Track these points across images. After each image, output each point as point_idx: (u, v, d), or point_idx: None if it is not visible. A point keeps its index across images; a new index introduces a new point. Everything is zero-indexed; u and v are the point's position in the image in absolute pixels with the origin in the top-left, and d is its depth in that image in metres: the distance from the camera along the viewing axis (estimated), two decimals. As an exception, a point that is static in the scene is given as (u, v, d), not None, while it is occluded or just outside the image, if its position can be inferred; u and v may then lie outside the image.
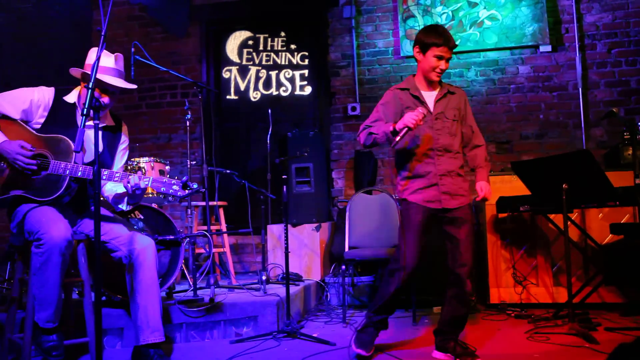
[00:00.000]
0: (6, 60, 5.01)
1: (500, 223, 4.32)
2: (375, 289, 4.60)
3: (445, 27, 5.37)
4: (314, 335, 3.45)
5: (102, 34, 2.30)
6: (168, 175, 4.45)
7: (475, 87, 5.41)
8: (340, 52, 5.73)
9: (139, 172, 2.77)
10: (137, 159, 4.25)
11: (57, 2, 5.70)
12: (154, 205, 3.91)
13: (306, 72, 5.94)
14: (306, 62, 5.96)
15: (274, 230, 4.94)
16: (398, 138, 2.76)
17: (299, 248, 4.81)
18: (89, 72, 2.50)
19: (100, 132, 2.94)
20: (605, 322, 3.59)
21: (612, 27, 5.21)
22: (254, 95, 6.01)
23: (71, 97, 2.93)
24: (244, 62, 6.06)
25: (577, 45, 5.21)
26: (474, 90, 5.40)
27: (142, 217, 3.74)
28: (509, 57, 5.38)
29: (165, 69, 3.81)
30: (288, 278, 3.62)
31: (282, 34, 6.04)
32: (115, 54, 2.95)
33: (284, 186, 3.75)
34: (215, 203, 4.69)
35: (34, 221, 2.66)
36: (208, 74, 6.06)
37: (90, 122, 2.27)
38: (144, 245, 2.92)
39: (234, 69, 6.06)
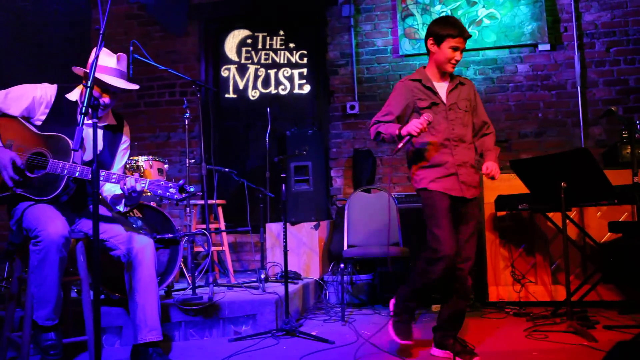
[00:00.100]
0: (5, 58, 5.00)
1: (499, 221, 4.33)
2: (374, 288, 4.60)
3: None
4: (313, 333, 3.45)
5: (101, 32, 2.30)
6: (166, 174, 4.45)
7: (474, 86, 5.41)
8: (339, 51, 5.73)
9: (136, 174, 2.76)
10: (135, 158, 4.25)
11: (56, 1, 5.69)
12: (153, 204, 3.91)
13: (305, 70, 5.94)
14: (305, 60, 5.96)
15: (273, 229, 4.94)
16: (400, 145, 2.78)
17: (298, 246, 4.82)
18: (89, 70, 2.49)
19: (101, 132, 2.96)
20: (603, 320, 3.60)
21: (610, 25, 5.21)
22: (253, 94, 6.00)
23: (73, 95, 2.93)
24: (243, 61, 6.05)
25: (575, 44, 5.21)
26: (473, 89, 5.40)
27: (140, 216, 3.74)
28: (507, 55, 5.38)
29: (164, 68, 3.80)
30: (287, 276, 3.62)
31: (281, 32, 6.03)
32: (118, 54, 2.94)
33: (283, 185, 3.75)
34: (214, 201, 4.69)
35: (31, 218, 2.66)
36: (207, 73, 6.06)
37: (90, 121, 2.26)
38: (143, 243, 2.92)
39: (233, 67, 6.06)
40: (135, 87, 2.97)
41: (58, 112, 2.86)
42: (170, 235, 3.72)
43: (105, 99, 2.89)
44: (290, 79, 5.96)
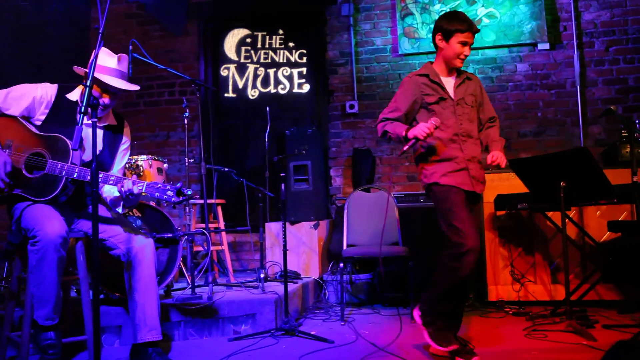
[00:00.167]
0: (3, 57, 4.99)
1: (498, 221, 4.33)
2: (374, 287, 4.60)
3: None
4: (312, 333, 3.45)
5: (100, 31, 2.30)
6: (166, 174, 4.45)
7: (473, 85, 5.41)
8: (339, 50, 5.73)
9: (134, 177, 2.76)
10: (135, 157, 4.25)
11: (55, 0, 5.68)
12: (152, 203, 3.91)
13: (304, 70, 5.94)
14: (304, 59, 5.96)
15: (272, 228, 4.94)
16: (406, 147, 2.78)
17: (297, 246, 4.82)
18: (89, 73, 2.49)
19: (101, 132, 2.95)
20: (603, 320, 3.60)
21: (610, 24, 5.21)
22: (252, 93, 6.00)
23: (74, 95, 2.93)
24: (242, 60, 6.05)
25: (575, 43, 5.21)
26: (472, 88, 5.40)
27: (140, 215, 3.74)
28: (507, 55, 5.38)
29: (163, 67, 3.79)
30: (286, 276, 3.62)
31: (281, 31, 6.03)
32: (119, 54, 2.94)
33: (282, 184, 3.75)
34: (213, 201, 4.68)
35: (29, 218, 2.66)
36: (206, 72, 6.05)
37: (90, 122, 2.26)
38: (143, 243, 2.92)
39: (232, 66, 6.05)
40: (136, 87, 2.97)
41: (58, 112, 2.86)
42: (170, 235, 3.72)
43: (105, 100, 2.89)
44: (290, 78, 5.95)
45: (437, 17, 5.35)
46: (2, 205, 2.86)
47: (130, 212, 3.69)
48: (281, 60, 5.99)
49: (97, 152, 2.32)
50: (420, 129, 2.73)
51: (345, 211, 4.49)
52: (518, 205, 3.99)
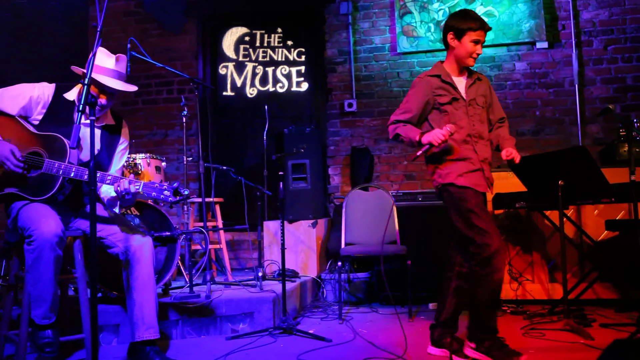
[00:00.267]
0: (2, 57, 4.98)
1: (496, 220, 4.33)
2: (372, 286, 4.60)
3: (442, 23, 5.40)
4: (310, 331, 3.45)
5: (98, 29, 2.29)
6: (164, 172, 4.45)
7: (471, 84, 5.41)
8: (337, 49, 5.73)
9: (131, 176, 2.76)
10: (133, 156, 4.25)
11: (53, -2, 5.67)
12: (150, 202, 3.91)
13: (303, 68, 5.94)
14: (303, 58, 5.95)
15: (270, 227, 4.94)
16: (419, 153, 2.76)
17: (295, 244, 4.82)
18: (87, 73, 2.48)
19: (99, 132, 2.95)
20: (600, 319, 3.60)
21: (608, 23, 5.21)
22: (251, 92, 6.00)
23: (71, 95, 2.92)
24: (241, 59, 6.05)
25: (573, 42, 5.22)
26: (471, 87, 5.40)
27: (138, 214, 3.73)
28: (505, 53, 5.38)
29: (161, 65, 3.79)
30: (284, 274, 3.62)
31: (279, 30, 6.02)
32: (117, 55, 2.93)
33: (281, 182, 3.74)
34: (211, 199, 4.68)
35: (25, 218, 2.66)
36: (204, 70, 6.04)
37: (87, 121, 2.26)
38: (141, 242, 2.92)
39: (231, 65, 6.05)
40: (134, 88, 2.95)
41: (56, 112, 2.85)
42: (168, 233, 3.71)
43: (102, 100, 2.88)
44: (288, 76, 5.95)
45: (435, 15, 5.45)
46: (0, 203, 2.86)
47: (129, 211, 3.69)
48: (280, 59, 5.98)
49: (95, 153, 2.31)
50: (436, 136, 2.69)
51: (344, 210, 4.49)
52: (516, 204, 3.99)
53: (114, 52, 2.97)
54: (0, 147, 2.67)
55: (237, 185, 4.72)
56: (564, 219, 3.62)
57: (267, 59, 6.00)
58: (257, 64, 6.01)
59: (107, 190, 2.93)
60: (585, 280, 3.97)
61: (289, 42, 5.99)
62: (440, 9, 5.47)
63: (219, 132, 6.03)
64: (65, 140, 2.77)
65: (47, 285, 2.63)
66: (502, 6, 5.33)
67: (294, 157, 4.96)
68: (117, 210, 2.97)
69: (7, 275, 2.92)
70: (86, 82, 2.25)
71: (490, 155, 2.95)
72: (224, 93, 6.05)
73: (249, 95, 5.99)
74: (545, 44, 5.27)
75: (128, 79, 2.99)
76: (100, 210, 2.98)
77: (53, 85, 2.91)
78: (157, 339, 2.88)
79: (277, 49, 6.00)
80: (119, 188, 2.71)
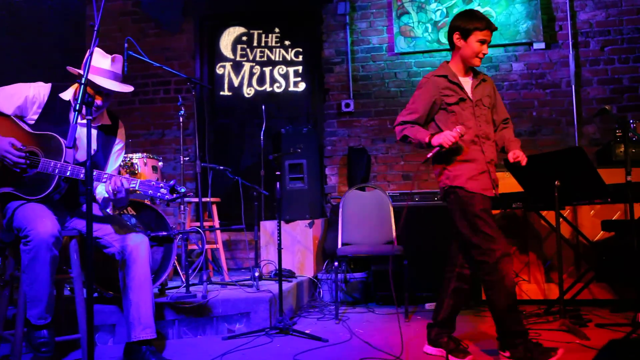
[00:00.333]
0: (-2, 55, 4.98)
1: (492, 220, 4.33)
2: (368, 286, 4.61)
3: (439, 24, 5.44)
4: (307, 331, 3.45)
5: (95, 29, 2.28)
6: (161, 172, 4.44)
7: (468, 84, 5.42)
8: (335, 49, 5.73)
9: (126, 175, 2.76)
10: (129, 155, 4.24)
11: (49, -3, 5.66)
12: (147, 202, 3.90)
13: (300, 68, 5.94)
14: (300, 58, 5.95)
15: (267, 227, 4.94)
16: (430, 155, 2.74)
17: (292, 244, 4.82)
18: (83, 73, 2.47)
19: (95, 132, 2.94)
20: (596, 319, 3.62)
21: (605, 24, 5.22)
22: (248, 92, 5.99)
23: (67, 95, 2.91)
24: (238, 58, 6.04)
25: (570, 43, 5.23)
26: (468, 87, 5.41)
27: (134, 214, 3.73)
28: (502, 54, 5.39)
29: (158, 65, 3.79)
30: (281, 274, 3.62)
31: (276, 30, 6.02)
32: (113, 55, 2.91)
33: (277, 182, 3.74)
34: (208, 199, 4.68)
35: (21, 218, 2.65)
36: (202, 70, 6.04)
37: (83, 121, 2.25)
38: (137, 241, 2.91)
39: (228, 65, 6.04)
40: (130, 89, 2.94)
41: (51, 112, 2.84)
42: (165, 233, 3.71)
43: (98, 101, 2.86)
44: (286, 76, 5.95)
45: (433, 16, 5.45)
46: None
47: (125, 211, 3.69)
48: (277, 59, 5.98)
49: (91, 153, 2.30)
50: (447, 138, 2.69)
51: (340, 210, 4.49)
52: (513, 205, 4.00)
53: (111, 51, 2.97)
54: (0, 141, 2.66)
55: (234, 185, 4.72)
56: (560, 220, 3.62)
57: (265, 58, 6.00)
58: (254, 64, 6.01)
59: (101, 192, 2.92)
60: (581, 280, 3.97)
61: (287, 42, 5.99)
62: (438, 10, 5.48)
63: (216, 132, 6.02)
64: (61, 140, 2.76)
65: (43, 285, 2.63)
66: (499, 7, 5.33)
67: (291, 157, 4.96)
68: (109, 211, 2.96)
69: (3, 274, 2.91)
70: (83, 81, 2.24)
71: (496, 156, 2.94)
72: (221, 93, 6.05)
73: (246, 95, 5.99)
74: (542, 45, 5.28)
75: (124, 79, 2.99)
76: (97, 210, 2.97)
77: (49, 85, 2.90)
78: (154, 339, 2.88)
79: (274, 49, 6.00)
80: (110, 187, 2.69)
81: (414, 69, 5.54)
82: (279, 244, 3.69)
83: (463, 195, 2.80)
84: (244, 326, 3.54)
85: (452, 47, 2.95)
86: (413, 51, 5.51)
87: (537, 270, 4.24)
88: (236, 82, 6.01)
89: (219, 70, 6.05)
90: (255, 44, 6.03)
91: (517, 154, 2.88)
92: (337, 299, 4.10)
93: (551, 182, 3.39)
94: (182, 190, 2.73)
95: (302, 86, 5.92)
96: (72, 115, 2.89)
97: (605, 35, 5.22)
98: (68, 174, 2.72)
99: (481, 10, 5.35)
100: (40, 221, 2.60)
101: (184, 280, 3.74)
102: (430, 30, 5.48)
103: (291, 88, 5.93)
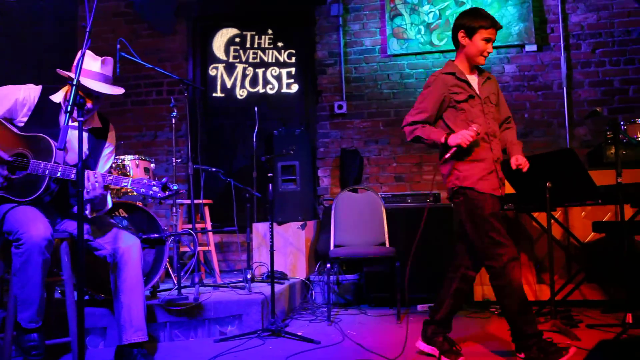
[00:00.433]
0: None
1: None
2: (360, 287, 4.61)
3: (432, 26, 5.45)
4: (299, 333, 3.45)
5: (87, 30, 2.27)
6: (153, 174, 4.43)
7: (461, 86, 5.44)
8: (328, 50, 5.73)
9: (115, 173, 2.74)
10: (121, 157, 4.23)
11: (41, -2, 5.63)
12: (139, 204, 3.89)
13: (293, 70, 5.94)
14: (293, 60, 5.95)
15: (260, 229, 4.93)
16: (448, 155, 2.72)
17: (284, 246, 4.81)
18: (74, 75, 2.45)
19: (85, 135, 2.92)
20: (586, 319, 3.63)
21: (596, 27, 5.26)
22: (241, 93, 5.99)
23: (57, 97, 2.89)
24: (231, 60, 6.04)
25: (562, 45, 5.25)
26: (460, 89, 5.43)
27: (126, 216, 3.72)
28: (495, 56, 5.40)
29: (151, 66, 3.78)
30: (273, 276, 3.61)
31: (269, 31, 6.02)
32: (103, 57, 2.88)
33: (270, 184, 3.74)
34: (200, 201, 4.67)
35: (13, 221, 2.63)
36: (194, 72, 6.03)
37: (75, 123, 2.24)
38: (129, 243, 2.90)
39: (221, 66, 6.03)
40: (120, 91, 2.92)
41: (41, 114, 2.82)
42: (156, 235, 3.70)
43: (88, 104, 2.84)
44: (278, 78, 5.95)
45: (426, 18, 5.47)
46: None
47: (117, 213, 3.67)
48: (270, 60, 5.98)
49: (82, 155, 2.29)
50: (464, 137, 2.66)
51: (333, 211, 4.49)
52: (504, 206, 4.01)
53: (103, 52, 2.95)
54: None
55: (227, 187, 4.71)
56: (552, 221, 3.64)
57: (258, 60, 6.00)
58: (247, 66, 6.00)
59: None
60: (572, 281, 3.99)
61: (280, 44, 5.99)
62: (431, 12, 5.50)
63: (208, 134, 6.02)
64: (51, 141, 2.75)
65: (35, 288, 2.61)
66: (491, 9, 5.35)
67: (283, 159, 4.96)
68: (87, 213, 2.92)
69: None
70: (74, 83, 2.23)
71: (502, 154, 2.92)
72: (214, 94, 6.04)
73: (239, 97, 5.99)
74: (534, 47, 5.30)
75: (116, 80, 2.97)
76: (88, 212, 2.95)
77: (39, 87, 2.88)
78: (146, 342, 2.87)
79: (267, 51, 5.99)
80: (87, 183, 2.66)
81: (406, 70, 5.55)
82: (271, 246, 3.68)
83: (473, 198, 2.77)
84: (236, 328, 3.54)
85: (457, 45, 2.93)
86: (406, 53, 5.52)
87: (528, 271, 4.25)
88: (229, 84, 6.01)
89: (212, 72, 6.05)
90: (248, 45, 6.02)
91: (519, 161, 2.86)
92: (330, 300, 4.10)
93: (542, 184, 3.40)
94: (175, 187, 2.71)
95: (294, 88, 5.92)
96: (62, 117, 2.87)
97: (596, 38, 5.25)
98: (59, 174, 2.70)
99: (473, 12, 5.36)
100: (32, 224, 2.59)
101: (175, 282, 3.73)
102: (423, 32, 5.49)
103: (284, 90, 5.93)
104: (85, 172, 2.66)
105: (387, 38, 5.56)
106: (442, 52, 5.48)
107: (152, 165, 4.45)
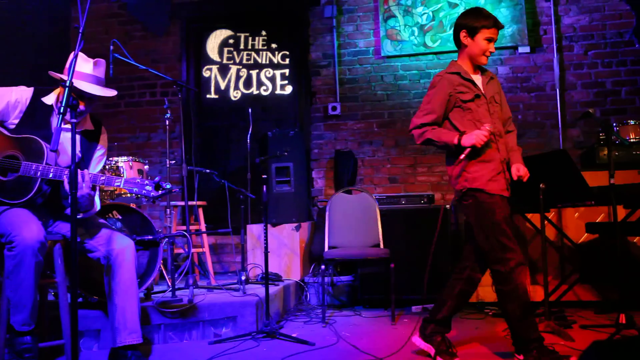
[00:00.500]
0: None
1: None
2: (355, 289, 4.61)
3: (426, 27, 5.47)
4: (293, 335, 3.45)
5: (80, 31, 2.26)
6: (147, 175, 4.42)
7: (454, 88, 5.45)
8: (321, 52, 5.73)
9: (108, 174, 2.73)
10: (115, 158, 4.21)
11: (34, -1, 5.61)
12: (132, 205, 3.87)
13: (287, 71, 5.93)
14: (287, 61, 5.95)
15: (254, 230, 4.92)
16: (463, 156, 2.69)
17: (279, 248, 4.81)
18: (67, 77, 2.43)
19: (78, 137, 2.91)
20: (580, 320, 3.65)
21: (589, 29, 5.29)
22: (235, 95, 5.98)
23: (49, 99, 2.88)
24: (225, 61, 6.02)
25: (555, 47, 5.28)
26: (454, 91, 5.44)
27: (120, 217, 3.70)
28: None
29: (144, 68, 3.76)
30: (267, 278, 3.61)
31: (263, 33, 6.01)
32: (95, 59, 2.87)
33: (264, 186, 3.73)
34: (194, 203, 4.66)
35: (5, 223, 2.61)
36: (188, 73, 6.01)
37: (67, 125, 2.23)
38: (123, 245, 2.89)
39: (215, 67, 6.02)
40: (112, 93, 2.90)
41: (32, 116, 2.81)
42: (150, 237, 3.68)
43: (80, 106, 2.83)
44: (272, 79, 5.94)
45: (419, 19, 5.48)
46: None
47: (110, 214, 3.66)
48: (264, 62, 5.97)
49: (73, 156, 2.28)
50: (479, 137, 2.65)
51: (327, 213, 4.49)
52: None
53: (96, 54, 2.94)
54: None
55: (221, 189, 4.70)
56: (545, 222, 3.65)
57: (251, 61, 5.99)
58: (241, 67, 6.00)
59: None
60: (565, 282, 4.01)
61: (273, 45, 5.98)
62: (424, 13, 5.51)
63: (202, 135, 6.00)
64: (42, 142, 2.73)
65: (28, 291, 2.60)
66: (484, 11, 5.36)
67: (277, 160, 4.95)
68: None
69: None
70: (67, 84, 2.22)
71: (507, 155, 2.91)
72: (208, 96, 6.02)
73: (233, 98, 5.98)
74: (527, 49, 5.33)
75: (110, 82, 2.96)
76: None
77: (31, 89, 2.86)
78: (140, 344, 2.86)
79: (261, 52, 5.99)
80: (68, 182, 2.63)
81: (400, 72, 5.56)
82: (266, 248, 3.68)
83: (483, 201, 2.74)
84: (231, 330, 3.53)
85: (459, 45, 2.91)
86: (399, 54, 5.53)
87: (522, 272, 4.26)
88: (223, 85, 6.00)
89: (206, 73, 6.03)
90: (242, 46, 6.02)
91: (520, 172, 2.86)
92: (324, 302, 4.10)
93: (536, 185, 3.41)
94: (168, 186, 2.71)
95: (288, 89, 5.92)
96: (53, 119, 2.86)
97: (588, 40, 5.28)
98: (51, 175, 2.69)
99: (467, 14, 5.38)
100: (25, 226, 2.57)
101: (170, 284, 3.71)
102: (416, 33, 5.51)
103: (278, 91, 5.93)
104: (79, 171, 2.65)
105: (380, 39, 5.57)
106: (435, 53, 5.49)
107: (146, 166, 4.44)
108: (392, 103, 5.53)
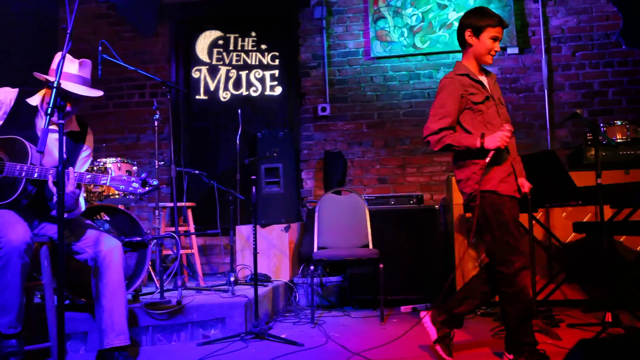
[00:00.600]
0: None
1: (467, 223, 4.38)
2: (344, 290, 4.61)
3: (415, 28, 5.48)
4: (282, 336, 3.44)
5: (68, 32, 2.24)
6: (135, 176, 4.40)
7: (443, 89, 5.47)
8: (311, 53, 5.74)
9: (94, 172, 2.72)
10: (103, 159, 4.19)
11: (21, -1, 5.57)
12: (121, 207, 3.85)
13: (276, 72, 5.93)
14: (277, 62, 5.95)
15: (243, 231, 4.91)
16: (488, 159, 2.65)
17: (268, 249, 4.80)
18: (53, 78, 2.41)
19: (64, 138, 2.89)
20: (567, 319, 3.67)
21: (576, 30, 5.33)
22: (224, 95, 5.97)
23: (34, 100, 2.86)
24: (214, 62, 6.01)
25: (543, 48, 5.31)
26: (443, 92, 5.46)
27: (108, 219, 3.68)
28: (476, 58, 5.44)
29: (133, 68, 3.74)
30: (256, 279, 3.60)
31: (253, 33, 6.01)
32: (81, 59, 2.85)
33: (253, 187, 3.73)
34: (183, 204, 4.64)
35: (-9, 225, 2.59)
36: (177, 74, 6.00)
37: (54, 126, 2.22)
38: (111, 247, 2.88)
39: (204, 68, 6.01)
40: (99, 93, 2.89)
41: (17, 117, 2.79)
42: (139, 239, 3.66)
43: (67, 107, 2.81)
44: (262, 80, 5.94)
45: (409, 20, 5.50)
46: None
47: (98, 216, 3.64)
48: (253, 63, 5.97)
49: (58, 158, 2.26)
50: (502, 138, 2.61)
51: (316, 214, 4.49)
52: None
53: (85, 55, 2.93)
54: None
55: (210, 190, 4.69)
56: (533, 222, 3.67)
57: (241, 62, 5.98)
58: (230, 68, 5.99)
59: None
60: (553, 281, 4.04)
61: (263, 46, 5.98)
62: (414, 14, 5.53)
63: (191, 136, 5.99)
64: (26, 142, 2.71)
65: (14, 293, 2.58)
66: (473, 12, 5.38)
67: (267, 161, 4.95)
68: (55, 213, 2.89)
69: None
70: (55, 85, 2.20)
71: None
72: (197, 97, 6.01)
73: (222, 99, 5.97)
74: (515, 50, 5.36)
75: (97, 83, 2.94)
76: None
77: (16, 90, 2.84)
78: (128, 346, 2.84)
79: (250, 53, 5.98)
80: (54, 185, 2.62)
81: (389, 73, 5.57)
82: (255, 249, 3.67)
83: (493, 202, 2.70)
84: (219, 331, 3.52)
85: (464, 45, 2.86)
86: (389, 55, 5.55)
87: (511, 272, 4.28)
88: (212, 86, 5.99)
89: (195, 74, 6.02)
90: (231, 47, 6.01)
91: (525, 189, 2.85)
92: (313, 303, 4.10)
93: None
94: (154, 182, 2.70)
95: (278, 90, 5.92)
96: (38, 120, 2.84)
97: (576, 41, 5.32)
98: (35, 175, 2.67)
99: (456, 15, 5.41)
100: (11, 228, 2.55)
101: (158, 285, 3.70)
102: (406, 34, 5.52)
103: (267, 92, 5.92)
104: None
105: (370, 41, 5.58)
106: (425, 54, 5.51)
107: (135, 167, 4.42)
108: (382, 104, 5.55)
